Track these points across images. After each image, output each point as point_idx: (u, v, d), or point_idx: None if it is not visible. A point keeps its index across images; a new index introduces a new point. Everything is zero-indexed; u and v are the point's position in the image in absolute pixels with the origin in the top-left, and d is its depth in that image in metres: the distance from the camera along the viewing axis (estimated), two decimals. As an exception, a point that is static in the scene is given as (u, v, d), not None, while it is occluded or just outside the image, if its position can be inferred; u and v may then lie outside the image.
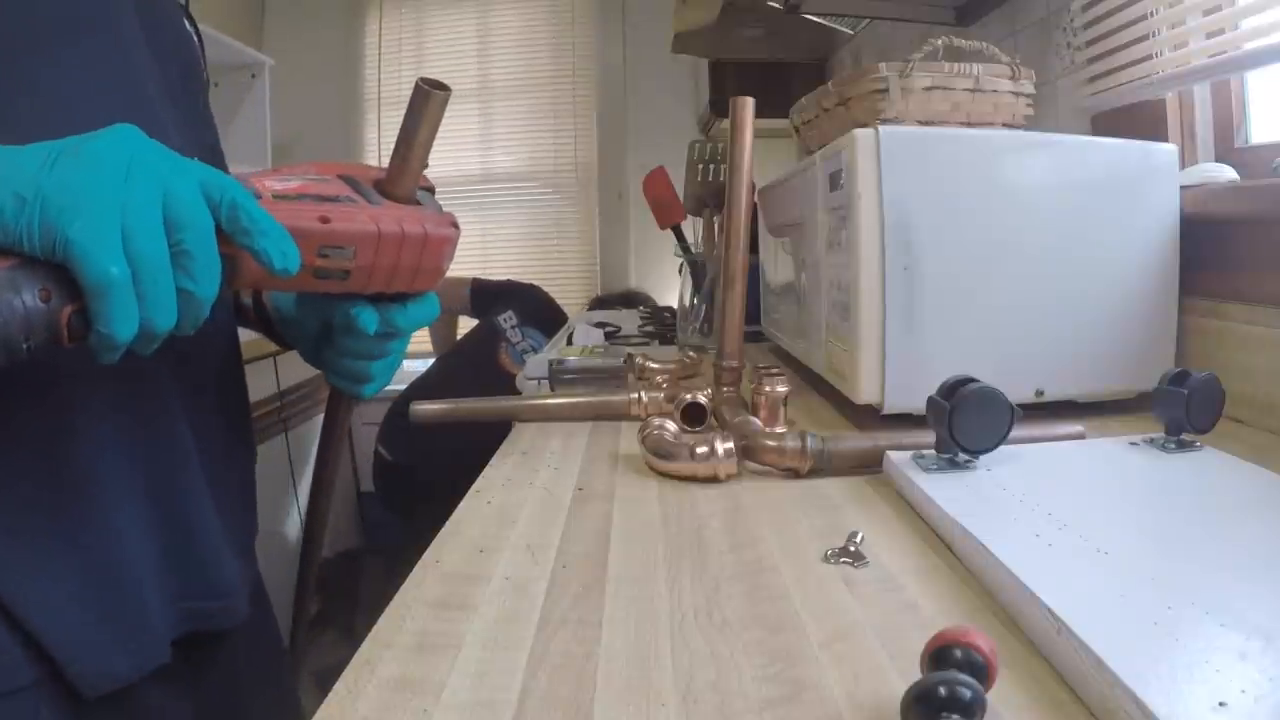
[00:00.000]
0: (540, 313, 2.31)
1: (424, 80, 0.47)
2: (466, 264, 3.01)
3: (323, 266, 0.43)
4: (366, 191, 0.47)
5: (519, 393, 1.09)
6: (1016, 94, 0.79)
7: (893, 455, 0.57)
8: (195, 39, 0.61)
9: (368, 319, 0.48)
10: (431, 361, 2.33)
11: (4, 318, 0.32)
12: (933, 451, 0.56)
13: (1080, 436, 0.63)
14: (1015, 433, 0.54)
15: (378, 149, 3.05)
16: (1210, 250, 0.74)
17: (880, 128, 0.70)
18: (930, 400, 0.55)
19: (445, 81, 0.47)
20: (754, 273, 1.26)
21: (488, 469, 0.66)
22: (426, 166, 0.49)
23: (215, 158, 0.64)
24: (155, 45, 0.52)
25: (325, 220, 0.42)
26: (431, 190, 0.52)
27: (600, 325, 1.67)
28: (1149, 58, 0.87)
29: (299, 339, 0.59)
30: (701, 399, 0.71)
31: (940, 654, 0.29)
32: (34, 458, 0.43)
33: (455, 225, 0.50)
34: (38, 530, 0.43)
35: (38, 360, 0.34)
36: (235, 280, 0.40)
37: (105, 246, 0.34)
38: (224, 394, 0.58)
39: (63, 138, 0.36)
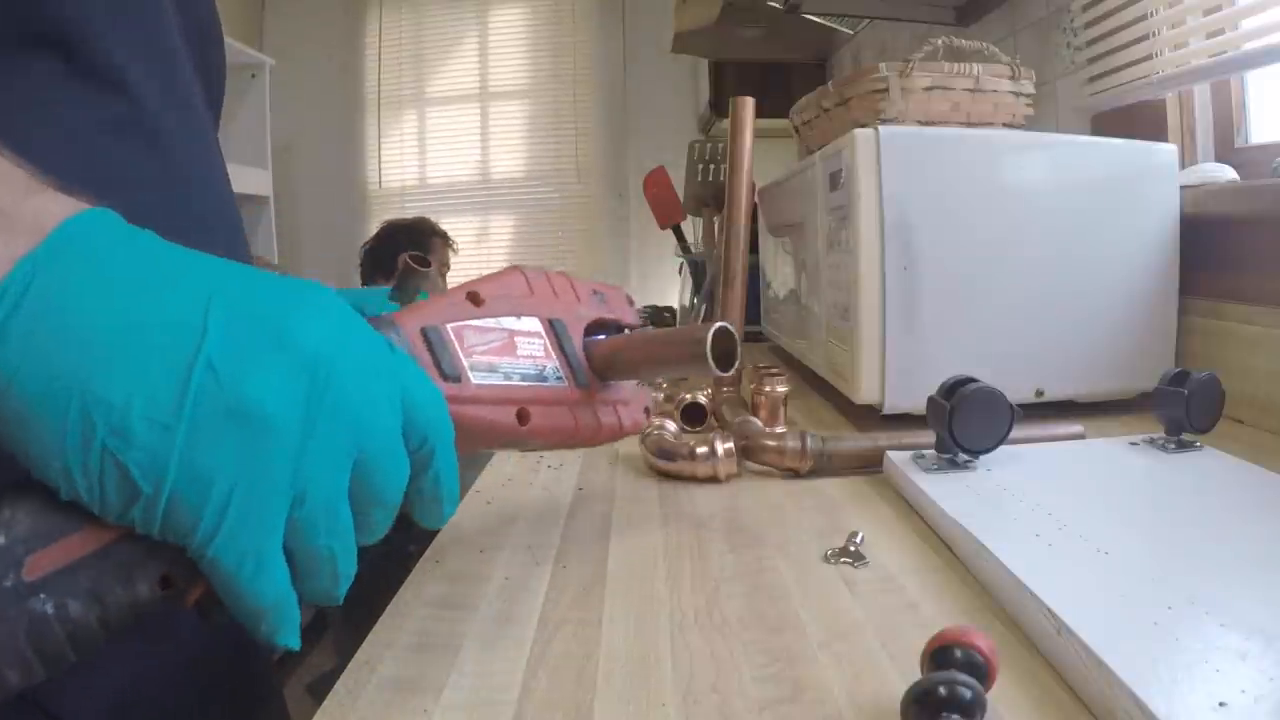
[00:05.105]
0: None
1: (720, 332, 0.38)
2: (467, 265, 3.01)
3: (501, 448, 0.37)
4: (570, 351, 0.40)
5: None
6: (1016, 94, 0.79)
7: (893, 455, 0.57)
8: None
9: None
10: None
11: (106, 611, 0.24)
12: (933, 451, 0.56)
13: (1080, 436, 0.63)
14: (1015, 433, 0.54)
15: (378, 149, 3.05)
16: (1210, 250, 0.74)
17: (880, 128, 0.70)
18: (930, 400, 0.55)
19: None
20: (754, 273, 1.25)
21: (487, 469, 0.66)
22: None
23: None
24: (189, 37, 0.48)
25: (524, 419, 0.37)
26: None
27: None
28: (1149, 58, 0.87)
29: None
30: (701, 399, 0.71)
31: (940, 654, 0.29)
32: None
33: (649, 410, 0.45)
34: None
35: None
36: None
37: (263, 580, 0.24)
38: None
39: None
